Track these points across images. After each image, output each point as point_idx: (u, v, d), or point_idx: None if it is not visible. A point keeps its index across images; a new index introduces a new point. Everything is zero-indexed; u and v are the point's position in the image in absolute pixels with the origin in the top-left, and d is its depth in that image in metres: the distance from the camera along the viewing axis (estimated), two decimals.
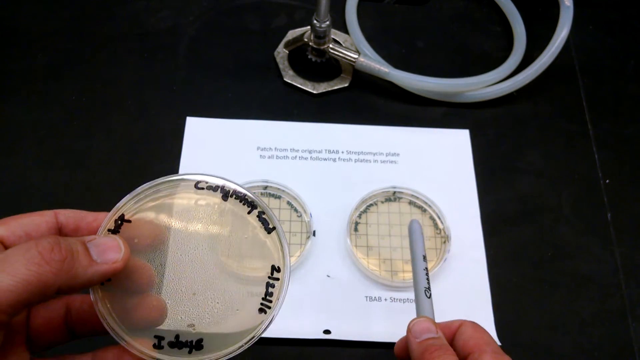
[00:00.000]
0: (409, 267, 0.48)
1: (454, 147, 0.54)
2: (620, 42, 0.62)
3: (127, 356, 0.29)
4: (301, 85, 0.57)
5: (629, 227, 0.51)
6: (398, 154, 0.53)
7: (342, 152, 0.53)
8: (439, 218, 0.50)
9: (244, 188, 0.33)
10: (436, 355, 0.31)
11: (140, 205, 0.32)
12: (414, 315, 0.46)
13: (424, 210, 0.50)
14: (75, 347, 0.31)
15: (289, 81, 0.57)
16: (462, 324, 0.34)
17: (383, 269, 0.48)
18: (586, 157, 0.54)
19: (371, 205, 0.51)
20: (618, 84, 0.59)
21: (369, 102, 0.57)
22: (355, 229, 0.49)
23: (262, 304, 0.31)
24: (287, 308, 0.46)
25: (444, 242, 0.49)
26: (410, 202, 0.51)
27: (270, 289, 0.31)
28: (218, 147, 0.53)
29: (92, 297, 0.29)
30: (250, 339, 0.30)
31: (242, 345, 0.30)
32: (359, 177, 0.52)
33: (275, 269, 0.32)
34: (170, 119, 0.54)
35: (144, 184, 0.32)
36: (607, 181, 0.53)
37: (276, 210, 0.50)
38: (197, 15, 0.61)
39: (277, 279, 0.31)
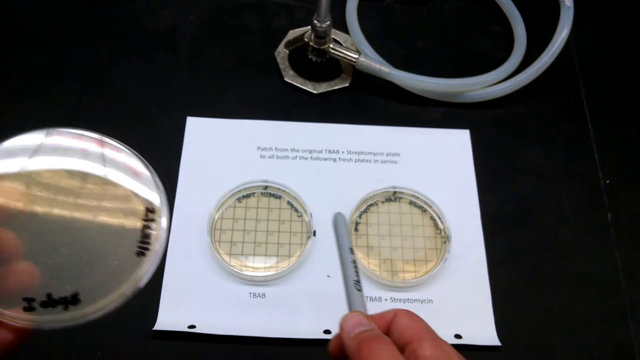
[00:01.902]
0: (409, 267, 0.48)
1: (454, 147, 0.54)
2: (621, 42, 0.62)
3: (1, 328, 0.28)
4: (301, 85, 0.57)
5: (629, 227, 0.51)
6: (398, 154, 0.53)
7: (343, 152, 0.53)
8: (439, 218, 0.50)
9: (104, 136, 0.32)
10: (373, 346, 0.30)
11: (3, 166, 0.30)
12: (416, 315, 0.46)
13: (424, 210, 0.50)
14: None
15: (289, 81, 0.57)
16: (396, 313, 0.32)
17: (383, 269, 0.48)
18: (586, 157, 0.54)
19: (371, 205, 0.51)
20: (618, 84, 0.59)
21: (369, 102, 0.57)
22: (356, 229, 0.49)
23: (139, 247, 0.29)
24: (287, 308, 0.46)
25: (444, 242, 0.49)
26: (411, 202, 0.51)
27: (147, 231, 0.30)
28: (218, 147, 0.53)
29: None
30: (132, 286, 0.29)
31: (124, 293, 0.29)
32: (359, 177, 0.52)
33: (149, 210, 0.31)
34: (170, 119, 0.54)
35: (7, 140, 0.31)
36: (608, 181, 0.53)
37: (276, 211, 0.50)
38: (197, 14, 0.61)
39: (153, 220, 0.30)
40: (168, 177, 0.51)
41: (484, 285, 0.47)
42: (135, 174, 0.32)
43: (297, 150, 0.53)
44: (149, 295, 0.46)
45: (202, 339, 0.44)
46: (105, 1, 0.61)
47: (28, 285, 0.28)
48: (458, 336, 0.45)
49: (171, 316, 0.45)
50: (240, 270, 0.47)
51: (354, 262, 0.35)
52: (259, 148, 0.53)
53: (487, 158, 0.54)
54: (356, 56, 0.55)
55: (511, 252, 0.49)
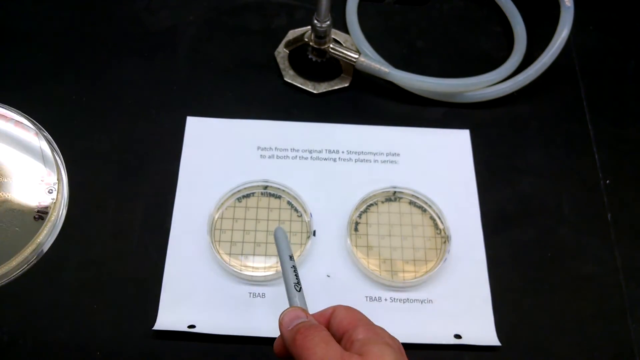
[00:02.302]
0: (409, 267, 0.48)
1: (454, 147, 0.54)
2: (621, 42, 0.62)
3: None
4: (301, 85, 0.57)
5: (629, 227, 0.51)
6: (398, 154, 0.53)
7: (343, 152, 0.53)
8: (439, 218, 0.50)
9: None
10: (307, 334, 0.32)
11: None
12: (415, 315, 0.46)
13: (424, 210, 0.50)
14: None
15: (289, 81, 0.57)
16: (335, 309, 0.35)
17: (383, 269, 0.48)
18: (586, 157, 0.54)
19: (371, 205, 0.51)
20: (618, 84, 0.59)
21: (369, 102, 0.57)
22: (356, 229, 0.49)
23: (38, 211, 0.29)
24: (286, 307, 0.46)
25: (444, 242, 0.49)
26: (411, 202, 0.51)
27: (44, 195, 0.30)
28: (218, 147, 0.53)
29: None
30: (36, 249, 0.29)
31: (27, 258, 0.29)
32: (359, 177, 0.52)
33: (45, 174, 0.31)
34: (170, 119, 0.54)
35: None
36: (608, 181, 0.53)
37: (276, 211, 0.50)
38: (197, 15, 0.61)
39: (50, 182, 0.30)
40: (168, 177, 0.51)
41: (484, 285, 0.47)
42: (29, 142, 0.31)
43: (297, 150, 0.53)
44: (149, 295, 0.46)
45: (202, 338, 0.44)
46: (105, 1, 0.61)
47: None
48: (458, 336, 0.45)
49: (171, 316, 0.45)
50: (240, 270, 0.47)
51: (294, 267, 0.39)
52: (259, 148, 0.53)
53: (487, 158, 0.54)
54: (356, 56, 0.55)
55: (511, 252, 0.49)
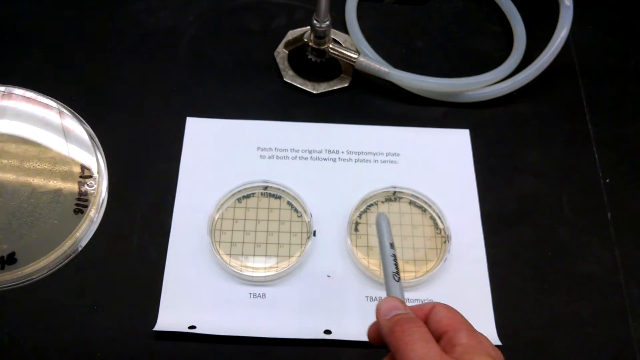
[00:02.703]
0: (409, 267, 0.48)
1: (454, 147, 0.54)
2: (620, 42, 0.62)
3: None
4: (301, 85, 0.57)
5: (629, 226, 0.51)
6: (398, 154, 0.53)
7: (342, 152, 0.53)
8: (439, 218, 0.50)
9: (28, 90, 0.31)
10: (406, 327, 0.31)
11: None
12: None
13: (424, 210, 0.50)
14: None
15: (288, 81, 0.57)
16: (434, 305, 0.34)
17: None
18: (586, 156, 0.54)
19: (371, 205, 0.51)
20: (618, 84, 0.59)
21: (369, 102, 0.57)
22: (356, 229, 0.49)
23: (77, 204, 0.29)
24: (287, 308, 0.46)
25: (444, 242, 0.49)
26: (411, 202, 0.51)
27: (83, 188, 0.29)
28: (218, 147, 0.53)
29: None
30: (72, 244, 0.29)
31: (65, 252, 0.28)
32: (359, 177, 0.52)
33: (85, 167, 0.30)
34: (170, 119, 0.54)
35: None
36: (607, 181, 0.53)
37: (276, 211, 0.50)
38: (197, 15, 0.61)
39: (89, 176, 0.30)
40: (168, 178, 0.51)
41: (484, 285, 0.47)
42: (71, 132, 0.31)
43: (297, 151, 0.53)
44: (149, 295, 0.46)
45: (202, 339, 0.44)
46: (104, 2, 0.61)
47: None
48: None
49: (171, 317, 0.45)
50: (241, 271, 0.47)
51: (394, 255, 0.38)
52: (258, 148, 0.53)
53: (487, 158, 0.54)
54: (356, 56, 0.55)
55: (511, 252, 0.49)
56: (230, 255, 0.48)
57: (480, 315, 0.46)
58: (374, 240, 0.49)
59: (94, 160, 0.30)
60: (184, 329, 0.44)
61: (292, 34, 0.60)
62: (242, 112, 0.55)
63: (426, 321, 0.33)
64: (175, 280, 0.46)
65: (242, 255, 0.48)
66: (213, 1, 0.62)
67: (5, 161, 0.29)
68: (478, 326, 0.46)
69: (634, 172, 0.54)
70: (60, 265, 0.28)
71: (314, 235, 0.49)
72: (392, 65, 0.56)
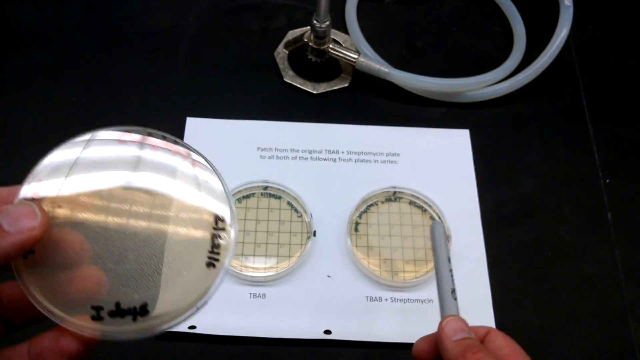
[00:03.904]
0: (409, 267, 0.48)
1: (454, 147, 0.54)
2: (620, 41, 0.62)
3: (66, 336, 0.27)
4: (301, 85, 0.57)
5: (630, 226, 0.51)
6: (398, 154, 0.53)
7: (342, 152, 0.53)
8: (439, 218, 0.50)
9: (174, 137, 0.30)
10: (480, 356, 0.30)
11: (63, 167, 0.29)
12: (415, 315, 0.46)
13: (424, 210, 0.50)
14: (14, 341, 0.29)
15: (289, 81, 0.57)
16: (489, 331, 0.33)
17: (384, 269, 0.48)
18: (586, 156, 0.54)
19: (371, 205, 0.51)
20: (618, 84, 0.59)
21: (369, 102, 0.57)
22: (356, 229, 0.49)
23: (209, 257, 0.28)
24: (287, 308, 0.46)
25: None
26: (411, 202, 0.51)
27: (216, 240, 0.29)
28: (218, 148, 0.53)
29: (15, 274, 0.26)
30: (202, 298, 0.28)
31: (194, 306, 0.28)
32: (359, 177, 0.52)
33: (219, 218, 0.29)
34: (170, 120, 0.54)
35: (62, 144, 0.30)
36: (608, 181, 0.53)
37: (276, 211, 0.50)
38: (197, 15, 0.61)
39: (223, 229, 0.29)
40: None
41: (484, 285, 0.47)
42: (204, 181, 0.30)
43: (297, 151, 0.53)
44: None
45: (202, 339, 0.44)
46: (104, 2, 0.61)
47: (94, 292, 0.27)
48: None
49: None
50: (241, 271, 0.47)
51: (451, 271, 0.35)
52: (258, 148, 0.53)
53: (487, 158, 0.54)
54: (356, 56, 0.55)
55: (511, 252, 0.49)
56: None
57: (481, 315, 0.46)
58: (374, 240, 0.49)
59: (228, 211, 0.30)
60: (184, 329, 0.44)
61: (292, 34, 0.60)
62: (242, 112, 0.55)
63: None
64: None
65: (242, 255, 0.48)
66: (213, 1, 0.62)
67: (138, 209, 0.29)
68: (478, 325, 0.46)
69: (634, 172, 0.54)
70: (188, 318, 0.28)
71: (314, 235, 0.49)
72: (392, 65, 0.56)
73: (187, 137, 0.53)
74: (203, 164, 0.30)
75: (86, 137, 0.30)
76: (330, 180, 0.52)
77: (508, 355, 0.31)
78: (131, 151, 0.30)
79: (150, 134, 0.31)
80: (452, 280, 0.35)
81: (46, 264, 0.27)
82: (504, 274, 0.48)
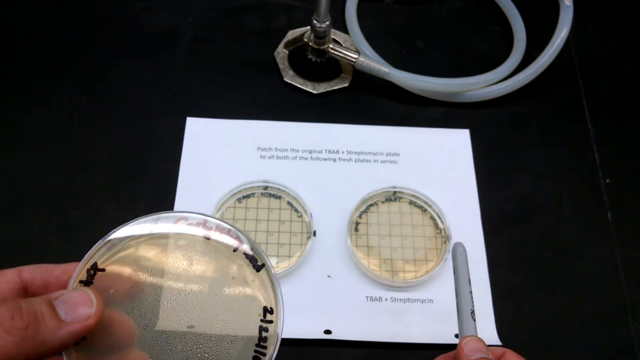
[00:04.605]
0: (409, 267, 0.48)
1: (454, 147, 0.54)
2: (620, 41, 0.62)
3: None
4: (301, 85, 0.57)
5: (630, 226, 0.51)
6: (398, 154, 0.53)
7: (343, 152, 0.53)
8: (439, 218, 0.50)
9: (227, 223, 0.30)
10: None
11: (115, 251, 0.29)
12: (415, 315, 0.46)
13: (424, 210, 0.50)
14: None
15: (289, 81, 0.57)
16: (504, 352, 0.34)
17: (384, 269, 0.48)
18: (586, 156, 0.54)
19: (371, 205, 0.51)
20: (618, 83, 0.59)
21: (369, 102, 0.57)
22: (356, 229, 0.49)
23: (256, 351, 0.28)
24: (288, 308, 0.46)
25: (445, 242, 0.49)
26: (411, 202, 0.51)
27: (264, 334, 0.28)
28: (218, 148, 0.53)
29: (65, 359, 0.26)
30: None
31: None
32: (359, 177, 0.52)
33: (267, 310, 0.29)
34: (170, 120, 0.54)
35: (118, 228, 0.30)
36: (608, 180, 0.53)
37: (276, 211, 0.50)
38: (196, 15, 0.61)
39: (271, 322, 0.29)
40: (168, 178, 0.51)
41: (485, 285, 0.47)
42: (254, 267, 0.30)
43: (297, 151, 0.53)
44: None
45: None
46: (104, 3, 0.61)
47: None
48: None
49: None
50: None
51: (471, 292, 0.37)
52: (258, 148, 0.53)
53: (487, 157, 0.54)
54: (356, 56, 0.55)
55: (511, 252, 0.49)
56: None
57: (481, 315, 0.46)
58: (374, 240, 0.49)
59: (274, 303, 0.29)
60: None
61: (292, 34, 0.60)
62: (242, 112, 0.55)
63: None
64: None
65: None
66: (213, 1, 0.62)
67: (190, 295, 0.28)
68: (479, 326, 0.46)
69: (635, 172, 0.54)
70: None
71: (314, 235, 0.48)
72: (392, 65, 0.56)
73: (187, 137, 0.53)
74: (256, 250, 0.30)
75: (149, 223, 0.30)
76: (330, 180, 0.52)
77: None
78: (190, 237, 0.30)
79: (206, 221, 0.30)
80: (472, 302, 0.36)
81: (96, 347, 0.27)
82: (504, 273, 0.48)
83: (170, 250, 0.30)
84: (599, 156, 0.54)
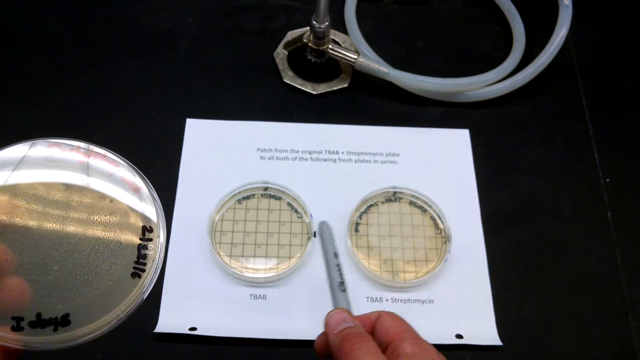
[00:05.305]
0: (410, 268, 0.48)
1: (454, 147, 0.54)
2: (620, 41, 0.62)
3: None
4: (301, 86, 0.57)
5: (630, 225, 0.51)
6: (398, 154, 0.53)
7: (342, 153, 0.53)
8: (440, 218, 0.50)
9: (102, 148, 0.31)
10: (354, 342, 0.31)
11: None
12: (416, 315, 0.46)
13: (425, 211, 0.50)
14: None
15: (288, 82, 0.57)
16: (380, 314, 0.34)
17: (384, 270, 0.48)
18: (586, 156, 0.54)
19: (372, 205, 0.51)
20: (617, 83, 0.59)
21: (368, 103, 0.57)
22: (356, 230, 0.49)
23: (135, 268, 0.28)
24: (288, 309, 0.46)
25: (445, 242, 0.49)
26: (411, 202, 0.51)
27: (143, 251, 0.29)
28: (218, 149, 0.53)
29: None
30: (126, 308, 0.28)
31: (118, 315, 0.28)
32: (359, 178, 0.52)
33: (147, 229, 0.30)
34: (169, 121, 0.54)
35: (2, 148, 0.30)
36: (608, 180, 0.53)
37: (276, 212, 0.50)
38: (196, 16, 0.61)
39: (150, 239, 0.29)
40: (168, 179, 0.51)
41: (485, 285, 0.47)
42: (132, 189, 0.31)
43: (297, 151, 0.53)
44: (150, 297, 0.46)
45: (203, 341, 0.44)
46: (104, 3, 0.61)
47: (18, 302, 0.27)
48: (459, 336, 0.45)
49: (172, 318, 0.45)
50: (241, 272, 0.47)
51: (338, 265, 0.38)
52: (258, 149, 0.53)
53: (487, 157, 0.54)
54: (355, 56, 0.55)
55: (511, 252, 0.49)
56: (230, 256, 0.48)
57: (481, 315, 0.46)
58: (374, 241, 0.49)
59: (155, 223, 0.30)
60: (185, 330, 0.44)
61: (291, 35, 0.60)
62: (241, 113, 0.55)
63: (373, 330, 0.34)
64: (175, 282, 0.46)
65: (242, 256, 0.48)
66: (212, 2, 0.62)
67: (66, 217, 0.29)
68: (479, 326, 0.46)
69: (635, 171, 0.54)
70: (112, 328, 0.28)
71: (314, 236, 0.48)
72: (392, 65, 0.56)
73: (187, 139, 0.53)
74: (130, 167, 0.31)
75: (24, 147, 0.31)
76: (330, 180, 0.52)
77: (393, 334, 0.32)
78: (65, 163, 0.30)
79: (80, 148, 0.31)
80: (340, 274, 0.37)
81: None
82: (504, 273, 0.48)
83: (46, 176, 0.30)
84: (599, 155, 0.54)
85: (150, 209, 0.30)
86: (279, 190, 0.51)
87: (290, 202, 0.50)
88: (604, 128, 0.56)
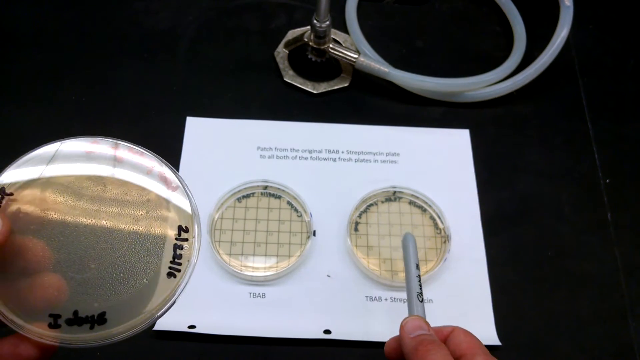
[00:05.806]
0: None
1: (454, 147, 0.54)
2: (620, 41, 0.62)
3: (25, 343, 0.27)
4: (301, 85, 0.57)
5: (630, 226, 0.51)
6: (398, 154, 0.53)
7: (342, 152, 0.53)
8: (439, 218, 0.50)
9: (139, 146, 0.31)
10: (430, 347, 0.32)
11: (25, 175, 0.29)
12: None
13: (424, 210, 0.50)
14: None
15: (289, 81, 0.57)
16: (454, 329, 0.35)
17: (383, 269, 0.48)
18: (586, 156, 0.54)
19: (371, 205, 0.51)
20: (618, 83, 0.59)
21: (369, 102, 0.57)
22: (356, 229, 0.49)
23: (170, 267, 0.29)
24: (287, 308, 0.46)
25: (444, 242, 0.49)
26: (411, 202, 0.51)
27: (178, 251, 0.29)
28: (218, 147, 0.53)
29: None
30: (162, 308, 0.28)
31: (153, 314, 0.28)
32: (359, 177, 0.52)
33: (182, 229, 0.30)
34: (170, 119, 0.54)
35: (28, 153, 0.30)
36: (608, 180, 0.53)
37: (276, 210, 0.50)
38: (196, 15, 0.61)
39: (186, 239, 0.29)
40: None
41: (484, 285, 0.47)
42: (170, 188, 0.31)
43: (297, 150, 0.53)
44: None
45: (202, 339, 0.44)
46: (104, 3, 0.61)
47: (55, 299, 0.27)
48: None
49: (171, 316, 0.45)
50: (240, 270, 0.47)
51: (418, 276, 0.40)
52: (258, 148, 0.53)
53: (487, 158, 0.54)
54: (356, 56, 0.55)
55: (511, 252, 0.49)
56: (230, 254, 0.48)
57: (480, 315, 0.46)
58: (373, 240, 0.49)
59: (191, 223, 0.30)
60: (184, 328, 0.44)
61: (292, 34, 0.60)
62: (242, 112, 0.55)
63: (445, 343, 0.35)
64: None
65: (242, 255, 0.48)
66: (213, 1, 0.62)
67: (103, 216, 0.29)
68: (478, 326, 0.46)
69: (635, 172, 0.54)
70: (146, 327, 0.28)
71: (314, 235, 0.48)
72: (392, 65, 0.56)
73: (187, 137, 0.53)
74: (170, 170, 0.31)
75: (57, 144, 0.31)
76: (330, 180, 0.52)
77: (465, 349, 0.33)
78: (101, 161, 0.31)
79: (117, 145, 0.32)
80: (420, 285, 0.39)
81: (6, 270, 0.27)
82: (504, 273, 0.48)
83: (83, 173, 0.30)
84: (599, 156, 0.54)
85: (186, 209, 0.30)
86: (279, 189, 0.51)
87: (290, 200, 0.50)
88: (604, 128, 0.56)
